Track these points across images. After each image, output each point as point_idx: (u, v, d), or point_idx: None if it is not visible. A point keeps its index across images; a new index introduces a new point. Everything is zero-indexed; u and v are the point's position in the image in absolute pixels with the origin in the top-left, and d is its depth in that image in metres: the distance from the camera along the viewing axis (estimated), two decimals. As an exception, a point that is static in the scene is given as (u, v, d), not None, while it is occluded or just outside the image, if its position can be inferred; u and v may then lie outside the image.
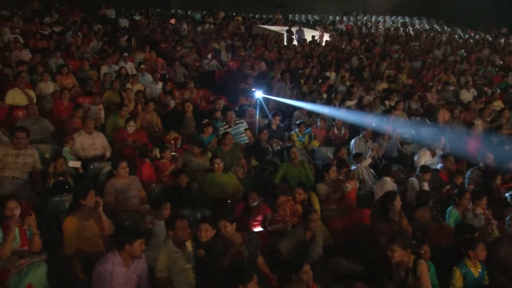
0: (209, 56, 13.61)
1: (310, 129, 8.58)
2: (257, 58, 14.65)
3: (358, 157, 6.94)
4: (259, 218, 5.51)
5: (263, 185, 6.72)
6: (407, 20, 25.71)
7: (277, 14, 22.91)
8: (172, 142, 7.31)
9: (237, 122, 7.86)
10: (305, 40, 17.59)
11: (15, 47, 11.18)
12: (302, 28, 19.55)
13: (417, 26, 24.99)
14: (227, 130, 7.65)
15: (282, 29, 19.60)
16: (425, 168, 6.34)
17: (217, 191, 6.20)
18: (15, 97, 8.42)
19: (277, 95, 9.86)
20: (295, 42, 18.11)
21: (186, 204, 5.73)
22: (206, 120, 7.85)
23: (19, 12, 16.02)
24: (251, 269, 4.10)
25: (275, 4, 22.76)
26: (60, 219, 5.10)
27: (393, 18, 25.74)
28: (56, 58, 10.98)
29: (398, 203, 5.06)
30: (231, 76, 12.56)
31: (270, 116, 8.78)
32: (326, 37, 18.79)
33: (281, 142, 8.03)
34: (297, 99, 9.76)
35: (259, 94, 8.79)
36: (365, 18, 25.15)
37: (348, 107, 10.13)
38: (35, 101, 8.59)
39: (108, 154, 6.82)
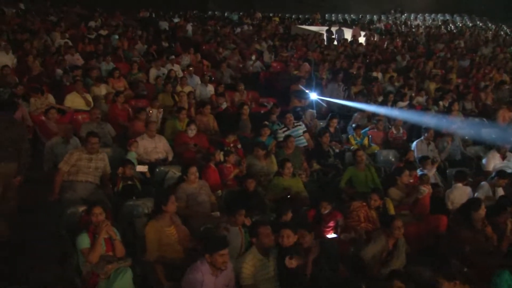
0: (253, 57, 13.55)
1: (366, 129, 8.39)
2: (299, 58, 14.54)
3: (424, 160, 6.71)
4: (331, 223, 5.38)
5: (326, 189, 6.58)
6: (448, 18, 25.07)
7: (315, 14, 22.67)
8: (231, 145, 7.25)
9: (295, 124, 7.74)
10: (346, 40, 17.34)
11: (67, 52, 11.40)
12: (341, 28, 19.27)
13: (459, 24, 24.33)
14: (286, 133, 7.55)
15: (321, 29, 19.40)
16: (502, 173, 6.06)
17: (282, 195, 6.10)
18: (74, 101, 8.55)
19: (330, 96, 9.69)
20: (334, 42, 17.96)
21: (254, 209, 5.64)
22: (265, 123, 7.75)
23: (64, 17, 16.40)
24: (333, 278, 3.98)
25: (312, 4, 22.54)
26: (135, 224, 5.14)
27: (432, 16, 25.12)
28: (107, 62, 11.13)
29: (482, 210, 4.84)
30: (276, 77, 12.46)
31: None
32: (362, 36, 18.47)
33: (339, 145, 7.87)
34: (351, 100, 9.56)
35: (314, 95, 8.65)
36: (403, 16, 24.63)
37: (401, 108, 9.89)
38: (92, 104, 8.73)
39: (170, 158, 6.80)
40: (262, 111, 9.49)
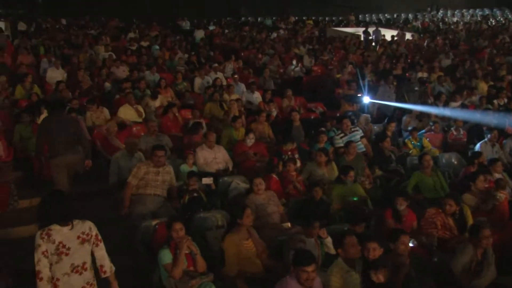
0: (294, 62, 13.46)
1: (422, 132, 8.15)
2: (339, 61, 14.36)
3: (494, 163, 6.44)
4: (408, 225, 5.20)
5: (391, 195, 6.38)
6: (487, 12, 24.32)
7: (349, 16, 22.41)
8: (289, 153, 7.15)
9: (352, 130, 7.58)
10: (385, 40, 17.04)
11: (112, 64, 11.57)
12: (378, 28, 18.96)
13: (500, 18, 23.55)
14: (343, 138, 7.40)
15: (357, 30, 19.16)
16: None
17: (344, 202, 5.95)
18: (126, 113, 8.63)
19: (381, 99, 9.48)
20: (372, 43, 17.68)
21: (321, 218, 5.51)
22: (322, 129, 7.62)
23: (105, 30, 16.72)
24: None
25: (345, 6, 22.29)
26: (207, 237, 5.10)
27: (470, 11, 24.45)
28: (152, 72, 11.24)
29: None
30: (318, 81, 12.31)
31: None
32: (408, 36, 18.09)
33: (396, 149, 7.67)
34: (403, 102, 9.32)
35: (367, 99, 8.46)
36: (439, 13, 24.05)
37: (454, 109, 9.59)
38: (144, 116, 8.81)
39: (230, 168, 6.75)
40: (312, 117, 9.37)
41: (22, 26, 16.02)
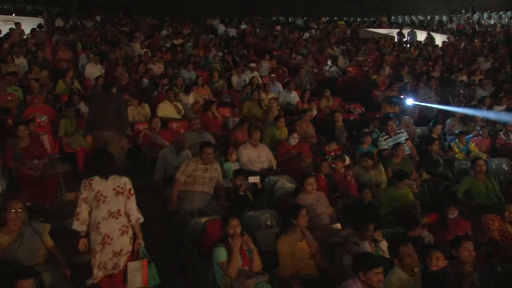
0: (329, 62, 13.30)
1: (469, 136, 7.92)
2: (374, 62, 14.14)
3: (549, 170, 6.20)
4: (459, 232, 5.02)
5: (440, 200, 6.20)
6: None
7: (381, 17, 22.09)
8: (332, 153, 7.03)
9: (397, 132, 7.40)
10: (420, 42, 16.72)
11: (148, 61, 11.62)
12: (414, 30, 18.60)
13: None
14: (388, 140, 7.24)
15: (390, 31, 18.86)
16: None
17: (393, 206, 5.79)
18: (166, 109, 8.64)
19: (422, 101, 9.26)
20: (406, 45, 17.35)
21: (371, 221, 5.37)
22: (365, 130, 7.47)
23: (137, 28, 16.86)
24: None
25: (377, 7, 21.97)
26: (256, 236, 5.01)
27: (508, 13, 23.74)
28: (188, 70, 11.25)
29: None
30: (355, 82, 12.13)
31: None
32: (440, 38, 17.71)
33: (442, 153, 7.46)
34: (447, 104, 9.09)
35: (410, 101, 8.27)
36: (475, 15, 23.49)
37: (498, 112, 9.30)
38: (182, 113, 8.81)
39: (274, 167, 6.67)
40: (351, 118, 9.22)
41: (59, 23, 16.29)
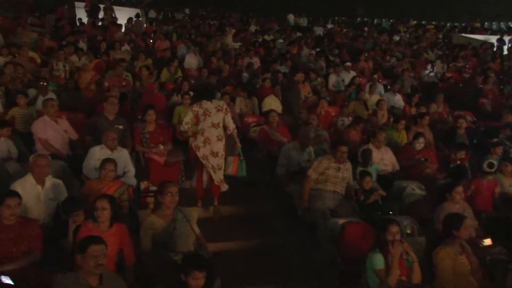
0: (429, 66, 12.65)
1: None
2: (473, 69, 13.32)
3: None
4: None
5: None
6: None
7: (473, 22, 20.89)
8: (459, 162, 6.54)
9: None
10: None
11: (246, 55, 11.56)
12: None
13: None
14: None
15: (487, 38, 17.74)
16: None
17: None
18: (272, 104, 8.44)
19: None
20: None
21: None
22: (496, 140, 6.92)
23: (223, 21, 16.96)
24: None
25: (471, 12, 20.80)
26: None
27: None
28: (286, 66, 11.06)
29: None
30: (461, 89, 11.43)
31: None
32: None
33: None
34: None
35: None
36: None
37: None
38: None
39: (397, 171, 6.30)
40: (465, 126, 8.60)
41: (152, 14, 16.70)
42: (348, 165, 5.40)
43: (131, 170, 5.26)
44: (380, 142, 6.28)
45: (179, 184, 5.97)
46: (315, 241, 5.00)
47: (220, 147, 5.29)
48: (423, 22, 21.13)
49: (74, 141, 5.79)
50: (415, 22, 20.76)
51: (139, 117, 7.25)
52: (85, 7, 13.93)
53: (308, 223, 5.17)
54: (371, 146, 6.30)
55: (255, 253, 5.15)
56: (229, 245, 5.13)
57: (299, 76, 8.22)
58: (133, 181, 5.06)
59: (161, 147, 5.87)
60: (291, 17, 19.57)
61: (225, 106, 5.34)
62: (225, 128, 5.39)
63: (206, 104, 5.25)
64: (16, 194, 3.57)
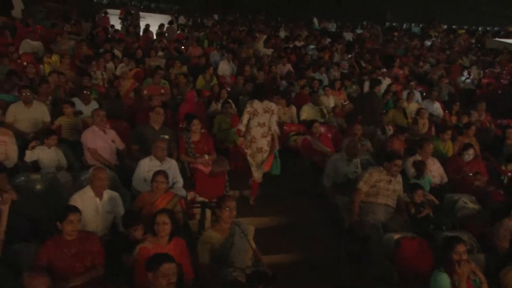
0: (465, 73, 12.38)
1: None
2: (510, 75, 12.97)
3: None
4: None
5: None
6: None
7: (507, 26, 20.42)
8: (509, 174, 6.34)
9: None
10: None
11: (279, 62, 11.49)
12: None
13: None
14: None
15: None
16: None
17: None
18: (310, 112, 8.39)
19: None
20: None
21: None
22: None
23: (252, 27, 16.94)
24: None
25: (506, 16, 20.32)
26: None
27: None
28: (321, 72, 10.96)
29: None
30: (500, 96, 11.14)
31: None
32: None
33: None
34: None
35: None
36: None
37: None
38: (327, 117, 8.51)
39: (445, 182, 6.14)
40: None
41: (182, 20, 16.81)
42: (399, 178, 5.27)
43: (180, 181, 5.24)
44: (428, 153, 6.12)
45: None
46: (366, 255, 4.89)
47: (264, 143, 5.68)
48: (453, 27, 20.73)
49: (121, 151, 5.80)
50: (445, 26, 20.39)
51: (180, 125, 7.35)
52: (120, 14, 14.09)
53: (359, 236, 5.06)
54: (418, 157, 6.15)
55: (302, 266, 5.07)
56: (275, 258, 5.02)
57: (378, 88, 8.19)
58: (183, 192, 5.03)
59: (206, 157, 5.84)
60: (315, 21, 19.47)
61: (273, 108, 5.68)
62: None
63: (257, 104, 5.63)
64: (78, 210, 3.57)
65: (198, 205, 5.47)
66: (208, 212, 5.55)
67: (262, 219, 5.77)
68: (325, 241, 5.51)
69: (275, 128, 5.75)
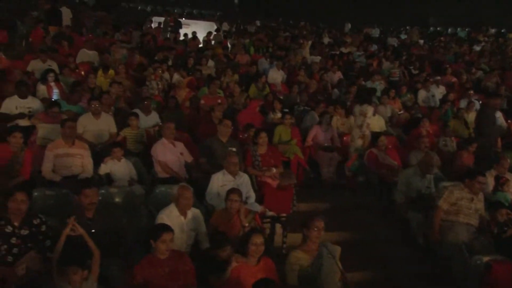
0: (525, 80, 11.89)
1: None
2: None
3: None
4: None
5: None
6: None
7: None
8: None
9: None
10: None
11: (328, 70, 11.33)
12: None
13: None
14: None
15: None
16: None
17: None
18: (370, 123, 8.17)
19: None
20: None
21: None
22: None
23: (295, 33, 16.80)
24: None
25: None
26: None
27: None
28: (373, 81, 10.71)
29: None
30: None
31: None
32: None
33: None
34: None
35: None
36: None
37: None
38: (383, 128, 8.30)
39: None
40: None
41: (225, 27, 16.85)
42: (481, 196, 5.04)
43: (252, 195, 5.15)
44: (506, 168, 5.84)
45: (292, 208, 5.87)
46: (447, 276, 4.69)
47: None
48: (502, 31, 20.03)
49: (189, 164, 5.77)
50: (493, 30, 19.74)
51: (240, 136, 7.27)
52: (170, 22, 14.23)
53: (438, 256, 4.86)
54: (493, 172, 5.88)
55: (377, 284, 4.91)
56: (354, 276, 4.85)
57: (496, 102, 7.75)
58: (257, 208, 4.93)
59: (274, 170, 5.75)
60: (347, 26, 19.11)
61: (365, 111, 6.67)
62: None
63: (356, 107, 6.61)
64: (171, 229, 3.53)
65: (268, 219, 5.40)
66: (277, 227, 5.51)
67: (329, 234, 5.61)
68: (399, 259, 5.33)
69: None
